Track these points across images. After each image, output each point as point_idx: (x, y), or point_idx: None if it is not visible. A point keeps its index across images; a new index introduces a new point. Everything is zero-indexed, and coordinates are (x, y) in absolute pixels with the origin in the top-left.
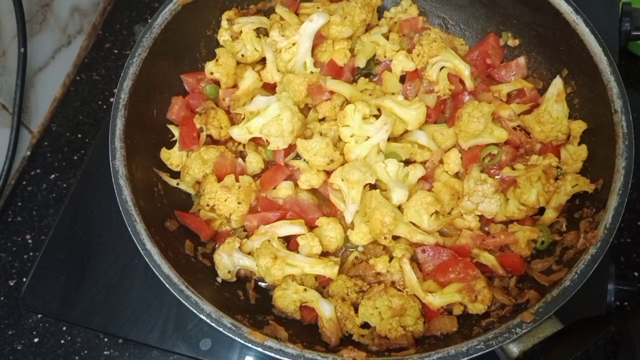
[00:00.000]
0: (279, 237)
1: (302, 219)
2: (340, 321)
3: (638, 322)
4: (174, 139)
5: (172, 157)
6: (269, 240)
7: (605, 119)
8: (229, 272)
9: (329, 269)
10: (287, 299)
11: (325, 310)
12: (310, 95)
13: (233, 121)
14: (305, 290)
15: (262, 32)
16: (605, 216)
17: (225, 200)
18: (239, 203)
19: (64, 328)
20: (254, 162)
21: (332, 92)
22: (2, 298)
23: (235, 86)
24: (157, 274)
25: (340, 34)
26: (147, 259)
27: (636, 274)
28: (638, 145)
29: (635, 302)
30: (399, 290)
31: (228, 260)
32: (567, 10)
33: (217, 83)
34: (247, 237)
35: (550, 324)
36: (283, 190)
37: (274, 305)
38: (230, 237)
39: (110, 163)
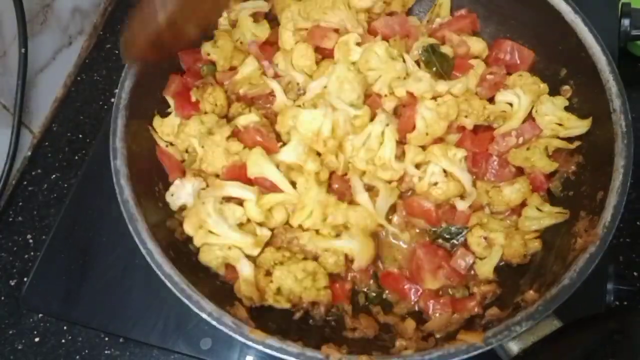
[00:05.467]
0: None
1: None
2: (261, 292)
3: (638, 320)
4: (169, 109)
5: (165, 124)
6: (203, 203)
7: (604, 118)
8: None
9: (249, 248)
10: (211, 255)
11: (245, 269)
12: (312, 40)
13: (230, 100)
14: (229, 248)
15: (260, 16)
16: (604, 215)
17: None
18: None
19: (65, 327)
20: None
21: (336, 31)
22: (2, 298)
23: (232, 69)
24: (159, 273)
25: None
26: (148, 259)
27: (636, 274)
28: (637, 145)
29: (635, 302)
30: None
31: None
32: (566, 10)
33: (213, 64)
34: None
35: (549, 322)
36: None
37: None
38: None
39: (112, 163)
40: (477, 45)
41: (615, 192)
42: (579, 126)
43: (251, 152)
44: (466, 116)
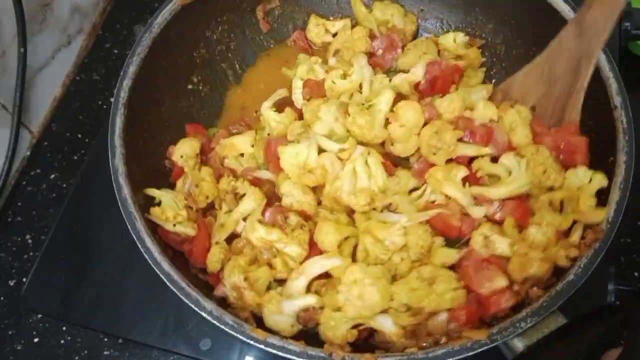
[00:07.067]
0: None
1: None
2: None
3: (637, 320)
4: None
5: (166, 210)
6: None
7: (605, 115)
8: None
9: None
10: (337, 329)
11: (387, 325)
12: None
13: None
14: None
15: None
16: (608, 210)
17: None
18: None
19: (64, 328)
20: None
21: None
22: (2, 298)
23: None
24: (158, 271)
25: None
26: (147, 257)
27: (636, 274)
28: (638, 145)
29: (636, 302)
30: None
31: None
32: (565, 10)
33: None
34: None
35: (554, 319)
36: None
37: (324, 340)
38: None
39: (110, 161)
40: (485, 111)
41: (617, 188)
42: (596, 215)
43: (321, 230)
44: (434, 153)
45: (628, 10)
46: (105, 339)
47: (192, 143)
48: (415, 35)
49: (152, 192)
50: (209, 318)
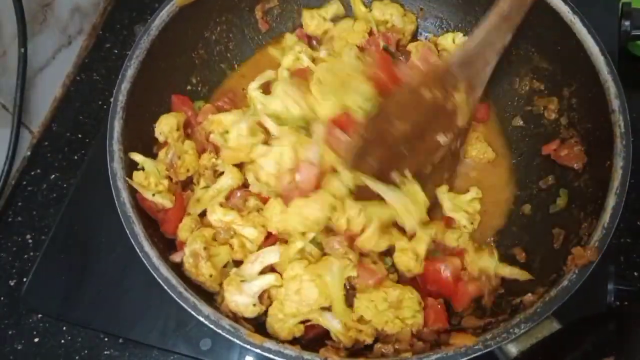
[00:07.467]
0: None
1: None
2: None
3: (637, 320)
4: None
5: (149, 175)
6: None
7: (603, 118)
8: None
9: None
10: (285, 322)
11: (333, 324)
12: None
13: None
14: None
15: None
16: (603, 216)
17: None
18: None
19: (64, 328)
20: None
21: None
22: (2, 298)
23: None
24: (156, 276)
25: None
26: (145, 262)
27: (636, 274)
28: (637, 145)
29: (636, 302)
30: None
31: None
32: (564, 10)
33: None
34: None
35: (548, 324)
36: None
37: (270, 333)
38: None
39: (109, 165)
40: None
41: (614, 193)
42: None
43: (268, 208)
44: None
45: (628, 10)
46: (106, 339)
47: (169, 121)
48: (414, 35)
49: (136, 156)
50: (206, 322)
